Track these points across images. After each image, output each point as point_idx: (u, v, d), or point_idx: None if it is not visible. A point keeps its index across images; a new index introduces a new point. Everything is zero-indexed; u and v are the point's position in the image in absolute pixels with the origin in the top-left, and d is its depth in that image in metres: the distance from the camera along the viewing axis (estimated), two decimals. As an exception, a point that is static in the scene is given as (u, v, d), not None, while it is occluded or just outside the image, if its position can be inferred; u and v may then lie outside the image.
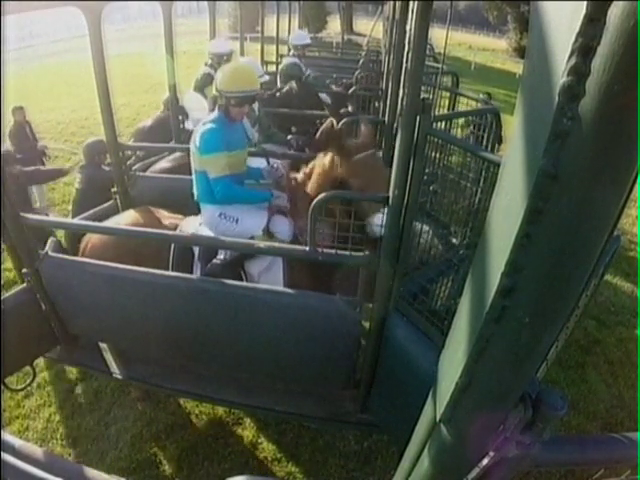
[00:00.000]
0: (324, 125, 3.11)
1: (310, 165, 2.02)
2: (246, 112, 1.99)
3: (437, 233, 1.66)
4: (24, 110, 4.42)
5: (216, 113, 1.93)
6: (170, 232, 1.94)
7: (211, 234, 1.94)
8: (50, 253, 1.94)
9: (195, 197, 2.00)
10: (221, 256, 1.92)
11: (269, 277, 1.90)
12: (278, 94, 3.81)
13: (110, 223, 2.09)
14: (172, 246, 1.97)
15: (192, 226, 2.00)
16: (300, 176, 2.03)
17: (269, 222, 1.97)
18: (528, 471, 0.64)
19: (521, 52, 17.09)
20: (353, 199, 1.67)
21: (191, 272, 1.93)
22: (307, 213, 1.56)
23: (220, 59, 3.53)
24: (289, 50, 4.57)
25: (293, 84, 3.88)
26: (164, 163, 2.93)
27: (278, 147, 3.01)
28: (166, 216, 2.12)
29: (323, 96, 3.98)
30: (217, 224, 1.94)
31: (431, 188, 1.60)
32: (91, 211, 2.40)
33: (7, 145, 4.05)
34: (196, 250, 1.96)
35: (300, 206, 1.90)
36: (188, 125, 3.21)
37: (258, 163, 2.36)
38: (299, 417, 2.09)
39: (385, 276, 1.48)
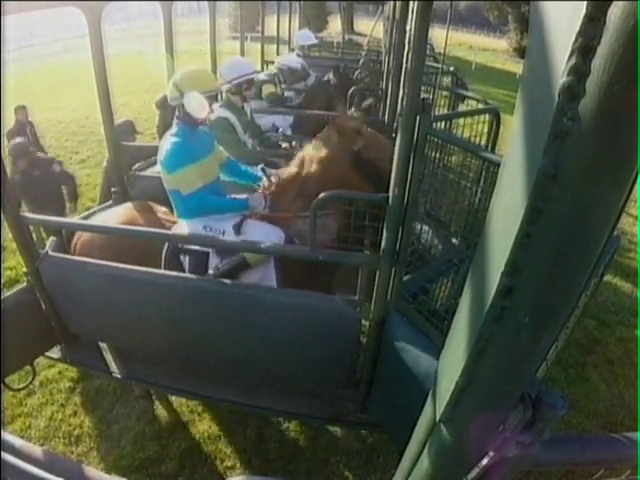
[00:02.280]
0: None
1: (296, 162, 1.99)
2: (212, 110, 1.95)
3: (437, 233, 1.66)
4: (27, 110, 4.37)
5: (175, 125, 1.88)
6: (166, 232, 1.93)
7: (197, 248, 1.92)
8: (50, 253, 1.94)
9: (175, 215, 1.98)
10: (211, 271, 1.89)
11: None
12: (312, 83, 3.83)
13: (105, 217, 2.09)
14: (162, 257, 1.94)
15: (184, 232, 1.98)
16: (286, 177, 1.99)
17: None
18: (528, 471, 0.64)
19: (521, 52, 17.08)
20: (353, 199, 1.67)
21: None
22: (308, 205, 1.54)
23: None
24: (291, 50, 4.57)
25: (331, 75, 3.91)
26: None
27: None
28: (160, 217, 2.10)
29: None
30: None
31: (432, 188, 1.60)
32: (91, 210, 2.41)
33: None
34: (185, 264, 1.93)
35: (299, 201, 1.88)
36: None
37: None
38: (299, 417, 2.09)
39: (385, 276, 1.48)
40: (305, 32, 4.96)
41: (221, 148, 2.10)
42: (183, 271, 1.92)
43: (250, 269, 1.91)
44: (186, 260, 1.94)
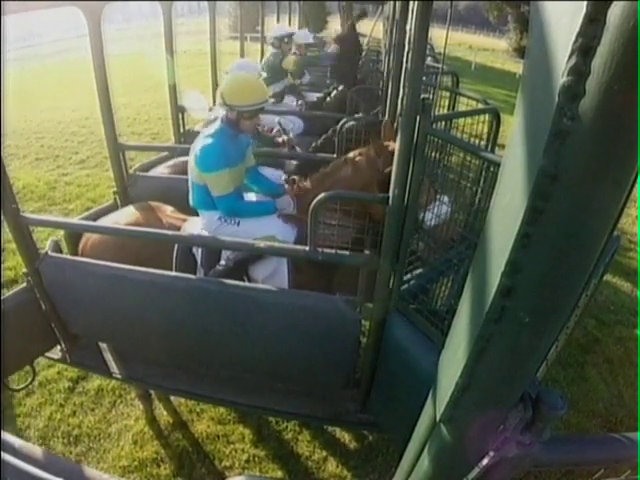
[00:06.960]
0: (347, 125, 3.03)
1: (333, 165, 1.99)
2: (258, 123, 1.95)
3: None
4: None
5: (219, 125, 1.88)
6: (171, 232, 1.93)
7: None
8: (50, 253, 1.94)
9: (191, 203, 1.98)
10: (223, 262, 1.89)
11: (273, 283, 1.88)
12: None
13: (108, 221, 2.08)
14: (174, 251, 1.95)
15: (195, 230, 1.99)
16: (317, 177, 2.00)
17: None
18: (528, 471, 0.64)
19: (521, 52, 17.05)
20: (353, 199, 1.67)
21: None
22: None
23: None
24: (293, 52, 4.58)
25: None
26: (162, 168, 2.89)
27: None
28: (168, 215, 2.09)
29: None
30: (217, 227, 1.92)
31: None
32: (91, 210, 2.40)
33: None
34: (198, 256, 1.94)
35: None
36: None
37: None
38: (299, 417, 2.09)
39: (385, 276, 1.48)
40: (303, 32, 5.01)
41: (252, 156, 2.11)
42: (196, 263, 1.93)
43: (263, 260, 1.91)
44: (199, 252, 1.94)
